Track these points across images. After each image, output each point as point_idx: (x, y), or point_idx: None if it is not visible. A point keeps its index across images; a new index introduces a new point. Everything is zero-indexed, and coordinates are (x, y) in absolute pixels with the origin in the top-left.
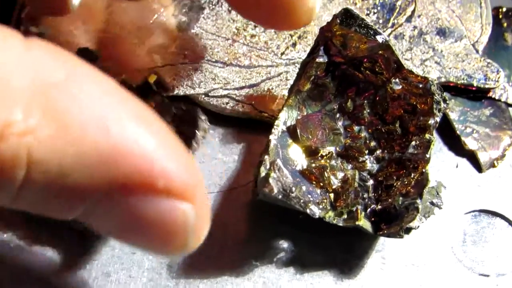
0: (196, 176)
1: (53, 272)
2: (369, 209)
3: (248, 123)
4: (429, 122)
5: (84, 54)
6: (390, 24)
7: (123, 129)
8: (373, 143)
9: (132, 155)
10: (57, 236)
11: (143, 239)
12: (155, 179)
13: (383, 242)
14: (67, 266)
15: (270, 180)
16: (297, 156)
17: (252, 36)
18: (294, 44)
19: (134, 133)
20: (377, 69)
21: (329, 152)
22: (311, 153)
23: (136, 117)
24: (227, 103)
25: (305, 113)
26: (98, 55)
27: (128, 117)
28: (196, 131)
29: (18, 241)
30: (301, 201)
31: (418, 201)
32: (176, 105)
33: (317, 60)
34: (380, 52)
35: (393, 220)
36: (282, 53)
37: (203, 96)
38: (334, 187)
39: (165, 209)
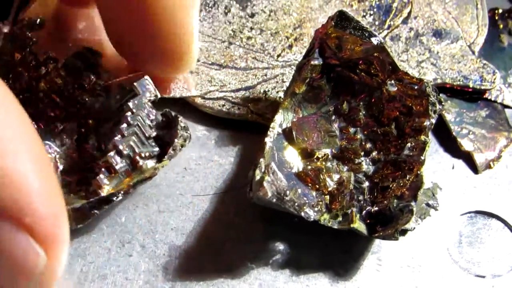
0: (62, 229)
1: None
2: (364, 211)
3: (244, 125)
4: (425, 123)
5: (86, 53)
6: (386, 26)
7: (18, 159)
8: (368, 145)
9: (16, 186)
10: None
11: None
12: (24, 214)
13: (379, 244)
14: (63, 270)
15: (265, 184)
16: (293, 158)
17: (249, 38)
18: (290, 46)
19: (26, 168)
20: (372, 71)
21: (324, 154)
22: (307, 155)
23: (34, 155)
24: (223, 105)
25: (300, 115)
26: (99, 56)
27: (27, 152)
28: (175, 139)
29: None
30: (296, 204)
31: (413, 203)
32: (162, 112)
33: (312, 62)
34: (375, 54)
35: (388, 222)
36: (278, 55)
37: (199, 98)
38: (329, 189)
39: (19, 244)
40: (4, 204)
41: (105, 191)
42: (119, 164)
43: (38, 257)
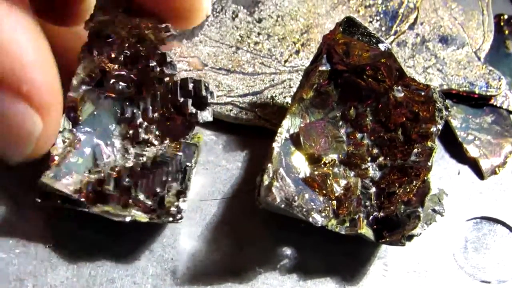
0: (58, 97)
1: (59, 278)
2: (371, 217)
3: (252, 131)
4: (431, 129)
5: None
6: (392, 32)
7: (14, 33)
8: (375, 150)
9: (12, 55)
10: (63, 243)
11: None
12: (21, 83)
13: (385, 249)
14: (72, 273)
15: (273, 189)
16: (300, 163)
17: (256, 43)
18: (297, 52)
19: (21, 40)
20: (379, 77)
21: (332, 160)
22: (314, 160)
23: (28, 30)
24: (230, 110)
25: (308, 121)
26: None
27: (21, 27)
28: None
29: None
30: (304, 209)
31: (420, 209)
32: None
33: (320, 68)
34: (383, 60)
35: (395, 227)
36: (286, 61)
37: None
38: (336, 194)
39: (18, 111)
40: (2, 73)
41: (128, 219)
42: (148, 203)
43: (34, 123)
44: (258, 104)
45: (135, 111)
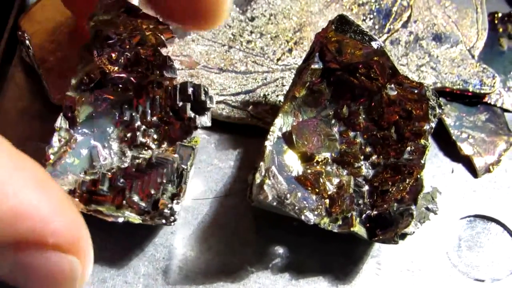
0: (81, 231)
1: None
2: (364, 215)
3: (244, 129)
4: (425, 127)
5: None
6: (386, 30)
7: (21, 193)
8: (368, 149)
9: (28, 216)
10: None
11: (37, 285)
12: (46, 237)
13: (378, 248)
14: None
15: (265, 187)
16: (293, 162)
17: (248, 42)
18: (290, 50)
19: (30, 198)
20: (372, 75)
21: (324, 158)
22: (307, 159)
23: (33, 182)
24: (223, 109)
25: (300, 119)
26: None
27: (25, 183)
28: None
29: None
30: (296, 207)
31: (413, 207)
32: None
33: (313, 66)
34: (375, 58)
35: (388, 226)
36: (278, 59)
37: None
38: (329, 193)
39: (54, 261)
40: (27, 237)
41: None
42: (142, 205)
43: (72, 264)
44: (250, 103)
45: (133, 114)
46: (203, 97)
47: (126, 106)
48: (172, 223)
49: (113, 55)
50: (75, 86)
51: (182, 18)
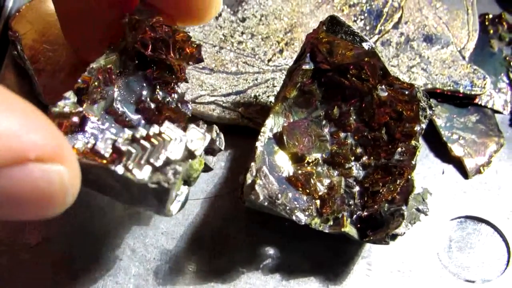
0: (60, 139)
1: (40, 279)
2: (355, 216)
3: (235, 130)
4: (415, 128)
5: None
6: (377, 31)
7: None
8: (359, 150)
9: (2, 138)
10: (45, 244)
11: (26, 207)
12: (26, 152)
13: (369, 249)
14: (54, 273)
15: (256, 187)
16: (284, 162)
17: (239, 42)
18: (281, 51)
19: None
20: (363, 76)
21: (315, 159)
22: (298, 159)
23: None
24: (213, 110)
25: (291, 120)
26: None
27: None
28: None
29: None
30: (287, 208)
31: (404, 207)
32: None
33: (304, 67)
34: (366, 59)
35: (379, 226)
36: (269, 60)
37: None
38: (320, 193)
39: (39, 174)
40: (3, 156)
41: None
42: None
43: (60, 172)
44: (241, 104)
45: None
46: (213, 135)
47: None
48: (171, 186)
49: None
50: (93, 70)
51: (174, 13)
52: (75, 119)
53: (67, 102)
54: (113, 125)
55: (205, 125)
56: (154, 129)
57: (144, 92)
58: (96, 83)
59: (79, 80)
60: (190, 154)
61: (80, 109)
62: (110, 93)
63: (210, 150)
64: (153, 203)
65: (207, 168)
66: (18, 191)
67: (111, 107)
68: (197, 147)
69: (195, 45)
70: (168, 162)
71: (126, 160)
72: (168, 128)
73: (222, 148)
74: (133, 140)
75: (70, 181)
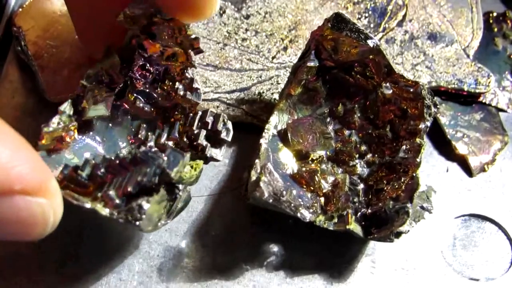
0: (46, 173)
1: (44, 276)
2: (359, 213)
3: (239, 127)
4: (420, 126)
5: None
6: (381, 29)
7: None
8: (363, 147)
9: None
10: (48, 242)
11: (9, 233)
12: (12, 185)
13: (373, 246)
14: (58, 271)
15: (261, 184)
16: (288, 160)
17: (243, 39)
18: (285, 48)
19: None
20: (368, 74)
21: (319, 156)
22: (302, 157)
23: None
24: (217, 107)
25: (295, 117)
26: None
27: None
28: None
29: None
30: (292, 205)
31: (409, 205)
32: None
33: (308, 64)
34: (371, 56)
35: (384, 224)
36: (273, 57)
37: None
38: (324, 191)
39: (23, 206)
40: None
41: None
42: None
43: (42, 205)
44: (245, 101)
45: (149, 134)
46: (220, 126)
47: (144, 125)
48: (137, 223)
49: (143, 70)
50: (89, 76)
51: (172, 8)
52: (71, 133)
53: (62, 117)
54: (104, 139)
55: (214, 113)
56: (133, 151)
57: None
58: (96, 89)
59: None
60: (167, 178)
61: (75, 123)
62: (118, 86)
63: (218, 141)
64: (133, 228)
65: (213, 160)
66: (2, 219)
67: (123, 98)
68: (172, 169)
69: (193, 38)
70: (142, 187)
71: (108, 189)
72: (143, 152)
73: (229, 139)
74: (113, 167)
75: (51, 212)
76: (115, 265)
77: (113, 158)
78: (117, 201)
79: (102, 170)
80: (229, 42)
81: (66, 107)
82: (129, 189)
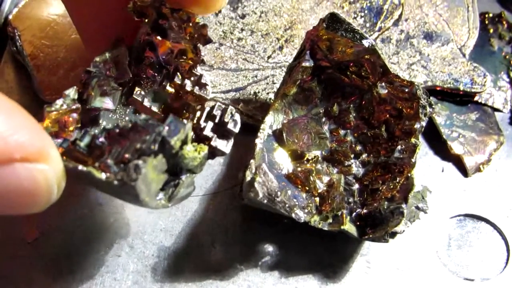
0: (45, 139)
1: (38, 275)
2: (354, 213)
3: None
4: (415, 126)
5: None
6: (377, 28)
7: None
8: (358, 147)
9: None
10: (42, 240)
11: (11, 204)
12: (12, 152)
13: (368, 246)
14: (51, 270)
15: (256, 185)
16: (283, 160)
17: (239, 39)
18: (280, 48)
19: None
20: (363, 73)
21: (314, 156)
22: (297, 157)
23: None
24: None
25: (291, 117)
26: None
27: None
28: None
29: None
30: (287, 205)
31: (403, 205)
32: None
33: (303, 64)
34: (366, 56)
35: (379, 224)
36: (269, 57)
37: None
38: (319, 191)
39: (25, 174)
40: None
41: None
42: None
43: (44, 171)
44: (240, 100)
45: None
46: (227, 118)
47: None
48: (132, 183)
49: (152, 69)
50: (96, 63)
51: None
52: (74, 115)
53: (66, 100)
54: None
55: (222, 106)
56: (130, 119)
57: (163, 79)
58: (102, 77)
59: (82, 74)
60: (167, 144)
61: (78, 105)
62: (126, 83)
63: (225, 134)
64: (130, 198)
65: (219, 152)
66: (3, 189)
67: (131, 97)
68: (175, 137)
69: (202, 26)
70: (141, 155)
71: (106, 157)
72: (143, 120)
73: (236, 131)
74: (112, 136)
75: (54, 179)
76: (109, 265)
77: (111, 128)
78: (115, 169)
79: (101, 139)
80: (225, 42)
81: (71, 91)
82: (127, 155)
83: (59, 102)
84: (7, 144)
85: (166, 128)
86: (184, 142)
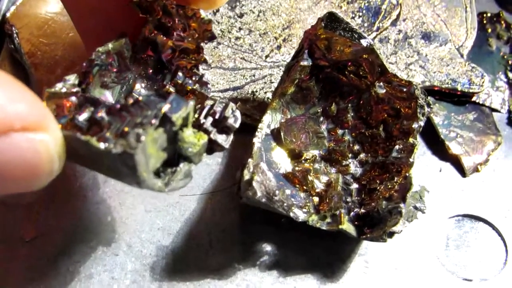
0: (43, 109)
1: (36, 274)
2: (352, 213)
3: None
4: (413, 126)
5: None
6: (375, 28)
7: None
8: (356, 147)
9: None
10: (40, 239)
11: (13, 179)
12: (11, 122)
13: (366, 246)
14: (50, 269)
15: (254, 184)
16: (281, 159)
17: (237, 38)
18: (278, 47)
19: None
20: (361, 73)
21: (312, 156)
22: (295, 156)
23: None
24: None
25: (289, 116)
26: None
27: None
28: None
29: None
30: (285, 204)
31: (402, 205)
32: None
33: (302, 63)
34: (365, 55)
35: (376, 224)
36: (267, 56)
37: None
38: (317, 190)
39: (27, 144)
40: None
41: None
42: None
43: (44, 141)
44: (238, 99)
45: None
46: (228, 113)
47: None
48: (131, 151)
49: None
50: (99, 53)
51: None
52: (73, 99)
53: (66, 84)
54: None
55: (223, 103)
56: (133, 97)
57: (164, 78)
58: (104, 67)
59: (84, 64)
60: (169, 122)
61: (78, 89)
62: (127, 79)
63: (225, 129)
64: (127, 173)
65: (218, 147)
66: (4, 161)
67: (130, 94)
68: (176, 113)
69: (207, 21)
70: (139, 127)
71: (106, 132)
72: (146, 96)
73: (237, 126)
74: (113, 111)
75: (55, 149)
76: (107, 264)
77: (112, 104)
78: (114, 142)
79: (101, 114)
80: (223, 41)
81: (72, 77)
82: (126, 129)
83: (59, 85)
84: (7, 114)
85: (168, 105)
86: (185, 122)
